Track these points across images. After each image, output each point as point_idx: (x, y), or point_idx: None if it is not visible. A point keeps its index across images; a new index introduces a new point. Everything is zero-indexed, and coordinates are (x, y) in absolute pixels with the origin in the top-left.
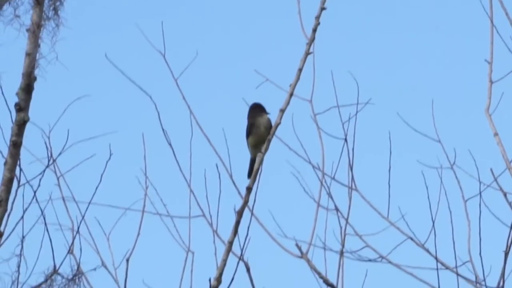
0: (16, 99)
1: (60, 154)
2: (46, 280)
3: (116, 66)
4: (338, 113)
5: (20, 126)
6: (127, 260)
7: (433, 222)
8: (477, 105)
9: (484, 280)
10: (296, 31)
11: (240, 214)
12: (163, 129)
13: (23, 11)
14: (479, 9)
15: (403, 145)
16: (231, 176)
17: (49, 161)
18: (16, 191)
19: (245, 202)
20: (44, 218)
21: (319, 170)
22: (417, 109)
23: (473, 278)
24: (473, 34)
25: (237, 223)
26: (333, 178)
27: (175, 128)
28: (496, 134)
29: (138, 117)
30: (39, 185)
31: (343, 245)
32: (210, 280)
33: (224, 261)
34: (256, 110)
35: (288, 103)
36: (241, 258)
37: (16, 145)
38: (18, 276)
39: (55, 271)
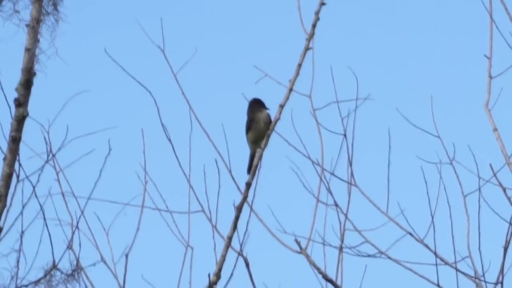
0: (15, 94)
1: (59, 149)
2: (45, 276)
3: (115, 61)
4: (338, 108)
5: (19, 121)
6: (126, 256)
7: (432, 218)
8: (476, 101)
9: (483, 275)
10: (296, 26)
11: (239, 209)
12: (162, 125)
13: (23, 6)
14: (479, 4)
15: (402, 141)
16: (230, 172)
17: (48, 156)
18: (15, 186)
19: (245, 198)
20: (43, 214)
21: (318, 165)
22: (416, 104)
23: (472, 274)
24: (473, 29)
25: (237, 218)
26: (333, 174)
27: (174, 124)
28: (495, 130)
29: (137, 113)
30: (38, 180)
31: (342, 241)
32: (209, 275)
33: (224, 257)
34: (256, 105)
35: (287, 98)
36: (240, 253)
37: (15, 140)
38: (18, 271)
39: (54, 266)
